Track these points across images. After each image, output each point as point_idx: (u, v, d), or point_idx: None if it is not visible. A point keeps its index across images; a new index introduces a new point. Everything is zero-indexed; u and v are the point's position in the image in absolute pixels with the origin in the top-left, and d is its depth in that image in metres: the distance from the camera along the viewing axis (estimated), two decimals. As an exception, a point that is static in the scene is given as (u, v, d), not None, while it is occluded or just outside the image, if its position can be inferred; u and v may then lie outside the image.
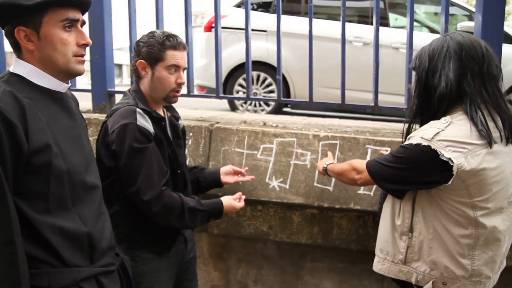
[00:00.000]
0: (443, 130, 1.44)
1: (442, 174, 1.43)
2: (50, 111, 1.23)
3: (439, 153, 1.42)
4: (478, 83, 1.47)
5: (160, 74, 1.79)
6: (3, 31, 1.25)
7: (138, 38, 1.87)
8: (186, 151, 2.41)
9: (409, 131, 1.62)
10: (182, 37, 2.65)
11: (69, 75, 1.29)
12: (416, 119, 1.61)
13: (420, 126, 1.57)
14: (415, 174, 1.49)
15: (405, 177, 1.52)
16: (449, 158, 1.40)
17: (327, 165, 1.98)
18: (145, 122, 1.72)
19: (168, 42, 1.77)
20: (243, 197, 2.02)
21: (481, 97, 1.47)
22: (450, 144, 1.42)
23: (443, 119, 1.48)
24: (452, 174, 1.42)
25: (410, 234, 1.55)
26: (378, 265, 1.65)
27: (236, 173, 2.19)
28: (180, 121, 2.00)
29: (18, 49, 1.25)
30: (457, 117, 1.47)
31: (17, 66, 1.25)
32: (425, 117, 1.56)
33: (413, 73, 1.67)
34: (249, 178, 2.22)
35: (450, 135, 1.43)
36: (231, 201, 1.95)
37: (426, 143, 1.44)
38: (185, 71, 1.91)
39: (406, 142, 1.52)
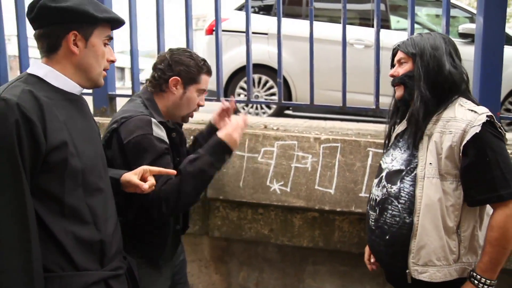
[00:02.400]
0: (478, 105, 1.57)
1: None
2: (67, 112, 1.26)
3: (496, 124, 1.51)
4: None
5: (191, 94, 1.83)
6: (38, 31, 1.27)
7: (169, 53, 1.82)
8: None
9: (425, 118, 1.59)
10: (183, 40, 2.67)
11: (93, 85, 1.37)
12: (427, 105, 1.60)
13: (423, 116, 1.59)
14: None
15: None
16: (501, 127, 1.53)
17: (474, 274, 1.52)
18: (160, 132, 1.71)
19: (204, 66, 1.84)
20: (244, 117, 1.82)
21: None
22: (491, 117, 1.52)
23: (462, 101, 1.58)
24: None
25: (458, 231, 1.54)
26: (438, 274, 1.54)
27: (224, 112, 2.06)
28: (182, 129, 2.01)
29: (53, 50, 1.28)
30: (460, 100, 1.60)
31: (35, 67, 1.28)
32: (430, 104, 1.59)
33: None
34: (229, 105, 2.04)
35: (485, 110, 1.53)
36: (229, 128, 1.75)
37: (491, 118, 1.50)
38: None
39: (471, 134, 1.47)
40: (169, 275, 1.94)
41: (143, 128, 1.66)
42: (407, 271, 1.58)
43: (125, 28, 2.78)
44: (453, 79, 1.59)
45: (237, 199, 2.38)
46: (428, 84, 1.59)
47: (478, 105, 1.59)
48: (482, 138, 1.47)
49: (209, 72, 1.87)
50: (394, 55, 1.78)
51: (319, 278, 2.60)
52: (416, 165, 1.59)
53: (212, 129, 2.05)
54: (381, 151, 2.22)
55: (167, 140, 1.73)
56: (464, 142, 1.49)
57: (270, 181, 2.34)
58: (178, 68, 1.79)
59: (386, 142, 1.86)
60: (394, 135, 1.81)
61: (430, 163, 1.55)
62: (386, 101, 2.49)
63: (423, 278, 1.55)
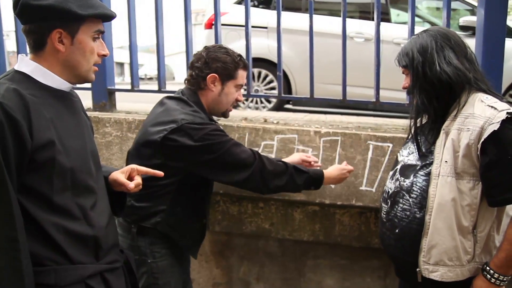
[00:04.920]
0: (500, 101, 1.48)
1: None
2: (54, 109, 1.25)
3: None
4: (471, 66, 1.56)
5: (229, 90, 1.89)
6: (24, 27, 1.25)
7: (207, 51, 1.89)
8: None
9: (416, 129, 1.61)
10: (181, 34, 2.66)
11: (83, 81, 1.34)
12: (422, 114, 1.60)
13: (434, 119, 1.56)
14: None
15: None
16: None
17: (488, 270, 1.50)
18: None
19: (241, 62, 1.90)
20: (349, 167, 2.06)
21: (480, 78, 1.56)
22: None
23: (482, 96, 1.50)
24: None
25: (474, 231, 1.50)
26: (449, 274, 1.52)
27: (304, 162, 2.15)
28: None
29: (39, 47, 1.26)
30: (481, 95, 1.51)
31: (22, 64, 1.26)
32: (436, 109, 1.56)
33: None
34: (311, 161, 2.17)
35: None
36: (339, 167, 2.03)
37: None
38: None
39: (489, 131, 1.41)
40: (184, 256, 1.99)
41: (215, 127, 1.78)
42: (418, 269, 1.55)
43: (124, 23, 2.77)
44: (447, 76, 1.51)
45: (238, 193, 2.38)
46: (425, 91, 1.56)
47: (499, 95, 1.53)
48: (502, 136, 1.40)
49: (245, 67, 1.93)
50: None
51: (320, 272, 2.60)
52: (432, 161, 1.54)
53: None
54: (381, 144, 2.22)
55: None
56: (482, 140, 1.43)
57: (271, 175, 2.33)
58: (215, 65, 1.84)
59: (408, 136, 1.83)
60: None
61: (446, 161, 1.50)
62: (386, 95, 2.49)
63: (434, 277, 1.52)
